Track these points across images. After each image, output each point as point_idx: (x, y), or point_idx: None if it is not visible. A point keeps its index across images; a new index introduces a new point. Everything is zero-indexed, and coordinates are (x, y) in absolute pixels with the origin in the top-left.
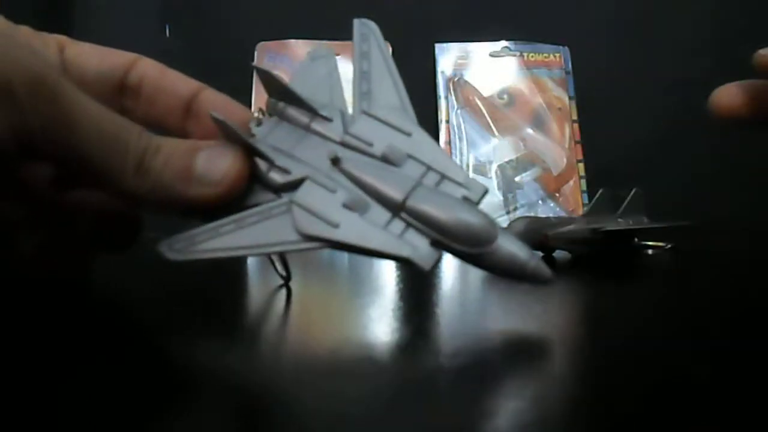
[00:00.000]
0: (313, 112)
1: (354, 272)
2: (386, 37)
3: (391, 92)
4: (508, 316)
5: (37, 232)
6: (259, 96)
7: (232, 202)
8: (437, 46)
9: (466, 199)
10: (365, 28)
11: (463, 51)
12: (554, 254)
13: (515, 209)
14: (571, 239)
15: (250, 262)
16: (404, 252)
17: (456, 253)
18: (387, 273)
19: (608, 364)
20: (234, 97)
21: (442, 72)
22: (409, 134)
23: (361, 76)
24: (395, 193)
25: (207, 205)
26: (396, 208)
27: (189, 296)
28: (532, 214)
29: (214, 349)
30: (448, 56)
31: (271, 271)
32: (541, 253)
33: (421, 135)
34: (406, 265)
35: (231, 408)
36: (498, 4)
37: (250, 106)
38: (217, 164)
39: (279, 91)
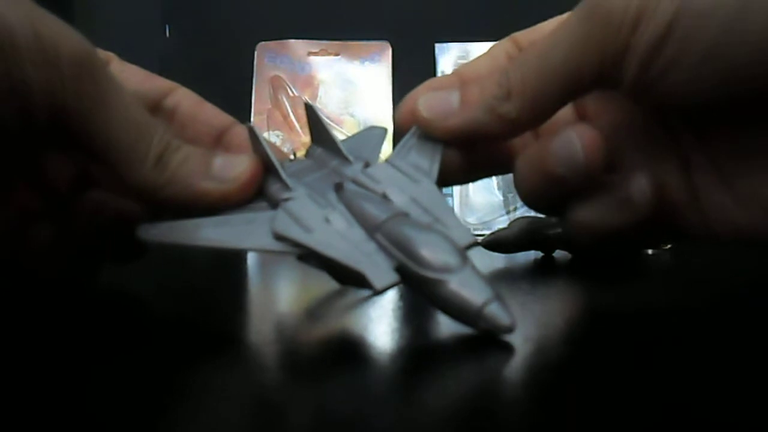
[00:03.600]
0: (339, 155)
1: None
2: (386, 37)
3: (424, 159)
4: None
5: (50, 228)
6: (259, 96)
7: (237, 206)
8: (437, 46)
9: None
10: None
11: (463, 51)
12: (554, 254)
13: (515, 209)
14: (571, 239)
15: (251, 262)
16: (362, 266)
17: (415, 282)
18: None
19: (608, 364)
20: (234, 98)
21: (442, 72)
22: (418, 182)
23: (404, 143)
24: (377, 215)
25: (216, 202)
26: (373, 229)
27: (189, 295)
28: (532, 214)
29: (214, 348)
30: (448, 56)
31: (270, 269)
32: (541, 253)
33: (429, 185)
34: (361, 283)
35: (230, 407)
36: (498, 4)
37: (249, 107)
38: (232, 165)
39: (318, 134)
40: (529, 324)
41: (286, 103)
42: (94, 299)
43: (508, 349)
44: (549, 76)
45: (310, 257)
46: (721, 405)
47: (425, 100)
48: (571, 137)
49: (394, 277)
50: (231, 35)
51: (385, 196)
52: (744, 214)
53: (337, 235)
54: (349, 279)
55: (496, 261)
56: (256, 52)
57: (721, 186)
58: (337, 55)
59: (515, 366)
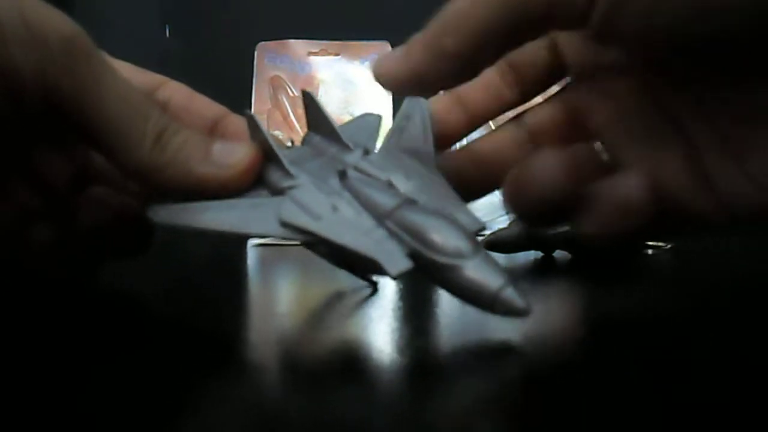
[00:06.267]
0: (339, 142)
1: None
2: (386, 37)
3: (418, 140)
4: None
5: (50, 227)
6: (259, 96)
7: (236, 193)
8: None
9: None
10: (413, 102)
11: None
12: (554, 254)
13: None
14: (571, 239)
15: (251, 262)
16: (375, 253)
17: (429, 267)
18: None
19: (608, 364)
20: (234, 98)
21: None
22: (420, 169)
23: (396, 127)
24: (386, 203)
25: (215, 188)
26: (383, 216)
27: (189, 295)
28: None
29: (213, 349)
30: None
31: (270, 268)
32: (541, 253)
33: (431, 171)
34: (373, 271)
35: (229, 409)
36: None
37: (250, 107)
38: (232, 151)
39: (316, 122)
40: (529, 324)
41: (286, 103)
42: (94, 299)
43: (508, 349)
44: (490, 3)
45: (318, 245)
46: (720, 403)
47: (377, 61)
48: (546, 161)
49: (407, 263)
50: (231, 35)
51: (390, 184)
52: (761, 189)
53: (346, 222)
54: (360, 267)
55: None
56: (256, 52)
57: (731, 162)
58: (337, 55)
59: (516, 366)
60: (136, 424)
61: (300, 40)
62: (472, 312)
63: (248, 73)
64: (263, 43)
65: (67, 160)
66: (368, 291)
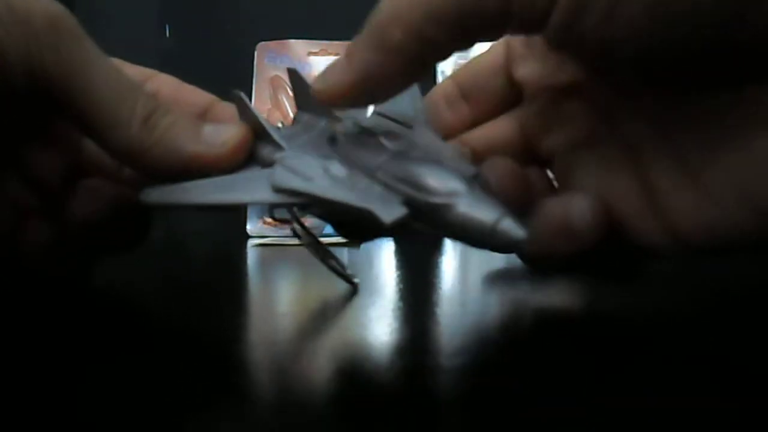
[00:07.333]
0: (329, 116)
1: (354, 272)
2: None
3: (408, 106)
4: (508, 316)
5: (46, 225)
6: (259, 96)
7: (228, 171)
8: None
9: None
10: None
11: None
12: None
13: None
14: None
15: (251, 262)
16: (368, 204)
17: (424, 212)
18: (387, 273)
19: (608, 365)
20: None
21: (442, 72)
22: (410, 127)
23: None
24: (376, 156)
25: (206, 167)
26: (374, 169)
27: (189, 293)
28: None
29: (213, 347)
30: None
31: (270, 268)
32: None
33: (422, 128)
34: (368, 224)
35: (229, 408)
36: None
37: None
38: (222, 131)
39: (304, 99)
40: (528, 323)
41: (286, 103)
42: (93, 298)
43: (507, 349)
44: None
45: (312, 206)
46: (719, 403)
47: (318, 78)
48: (486, 174)
49: (402, 210)
50: (231, 35)
51: (379, 141)
52: (715, 210)
53: (338, 180)
54: (356, 224)
55: (497, 261)
56: (256, 52)
57: (682, 180)
58: (337, 55)
59: (516, 366)
60: (136, 424)
61: (300, 40)
62: (472, 312)
63: (248, 73)
64: (263, 43)
65: (58, 153)
66: (369, 291)
